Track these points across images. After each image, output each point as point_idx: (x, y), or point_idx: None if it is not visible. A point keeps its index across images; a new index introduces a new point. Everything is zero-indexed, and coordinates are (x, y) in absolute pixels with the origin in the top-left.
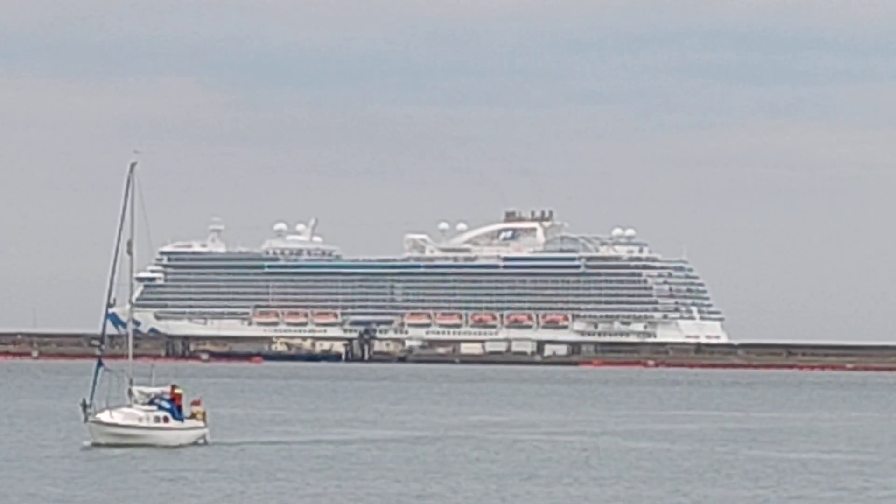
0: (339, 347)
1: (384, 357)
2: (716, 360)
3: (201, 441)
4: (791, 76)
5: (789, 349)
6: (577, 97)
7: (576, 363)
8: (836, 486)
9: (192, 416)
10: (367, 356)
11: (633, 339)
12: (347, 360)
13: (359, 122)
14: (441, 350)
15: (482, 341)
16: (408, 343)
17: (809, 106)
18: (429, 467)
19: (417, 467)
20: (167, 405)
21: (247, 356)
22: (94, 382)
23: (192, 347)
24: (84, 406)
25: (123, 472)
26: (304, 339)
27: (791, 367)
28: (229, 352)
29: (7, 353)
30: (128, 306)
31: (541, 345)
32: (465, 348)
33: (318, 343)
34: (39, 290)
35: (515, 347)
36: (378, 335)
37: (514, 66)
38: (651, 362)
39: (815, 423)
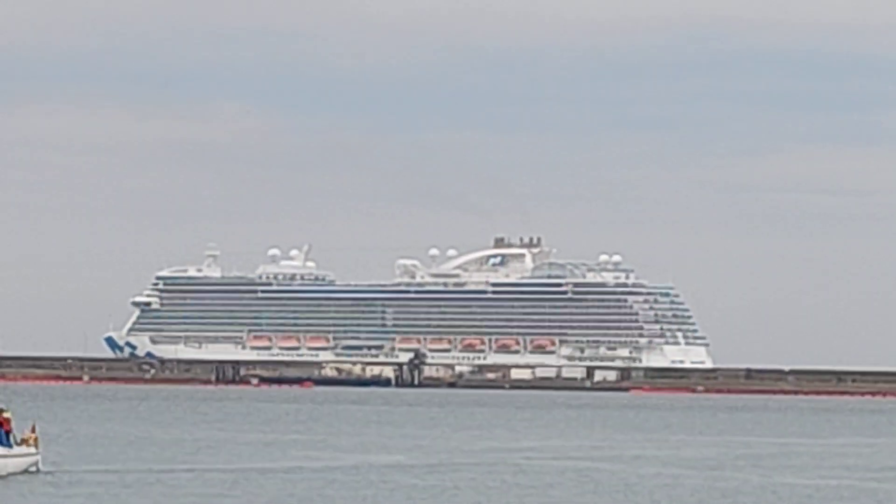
0: (389, 373)
1: (434, 382)
2: (765, 386)
3: (33, 469)
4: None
5: (839, 375)
6: (586, 123)
7: (626, 389)
8: None
9: (24, 441)
10: (417, 381)
11: (618, 363)
12: (398, 385)
13: (355, 148)
14: (491, 375)
15: (533, 367)
16: (458, 369)
17: (840, 131)
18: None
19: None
20: None
21: (297, 381)
22: None
23: (241, 372)
24: None
25: None
26: (355, 363)
27: (842, 393)
28: (280, 377)
29: None
30: (124, 330)
31: (590, 371)
32: (515, 374)
33: (368, 368)
34: None
35: (566, 373)
36: (428, 360)
37: (546, 92)
38: (700, 388)
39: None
